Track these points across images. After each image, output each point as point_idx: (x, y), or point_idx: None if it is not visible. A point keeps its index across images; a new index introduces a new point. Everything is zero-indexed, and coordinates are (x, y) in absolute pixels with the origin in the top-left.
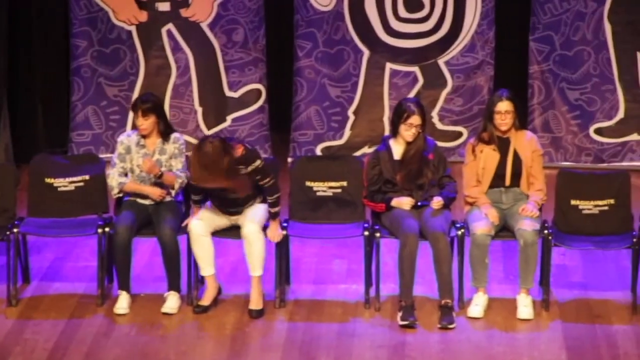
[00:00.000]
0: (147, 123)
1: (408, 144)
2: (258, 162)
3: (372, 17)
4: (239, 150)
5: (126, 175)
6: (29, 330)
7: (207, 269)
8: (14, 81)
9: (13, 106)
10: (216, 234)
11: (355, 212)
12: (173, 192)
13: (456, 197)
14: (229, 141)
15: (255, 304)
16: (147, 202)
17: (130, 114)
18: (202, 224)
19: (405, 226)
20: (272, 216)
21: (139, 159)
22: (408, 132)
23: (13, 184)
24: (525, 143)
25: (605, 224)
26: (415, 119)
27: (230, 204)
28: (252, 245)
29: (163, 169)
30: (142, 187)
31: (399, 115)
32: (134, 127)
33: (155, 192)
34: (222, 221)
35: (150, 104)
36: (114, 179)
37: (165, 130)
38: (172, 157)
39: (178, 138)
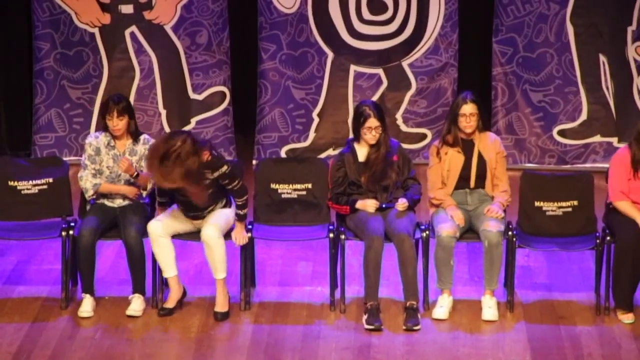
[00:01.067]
0: (121, 123)
1: (372, 146)
2: (225, 168)
3: (336, 20)
4: (206, 156)
5: (96, 176)
6: None
7: (169, 270)
8: None
9: None
10: (179, 236)
11: (320, 214)
12: (144, 193)
13: (421, 198)
14: (200, 144)
15: (221, 306)
16: (115, 204)
17: (94, 116)
18: (160, 224)
19: (370, 228)
20: (240, 218)
21: (109, 160)
22: (368, 135)
23: None
24: (489, 145)
25: (569, 225)
26: (373, 122)
27: (192, 209)
28: (212, 249)
29: (136, 168)
30: (118, 187)
31: (357, 120)
32: (101, 128)
33: (132, 191)
34: (186, 225)
35: (125, 103)
36: (87, 180)
37: (136, 131)
38: (142, 158)
39: (148, 139)
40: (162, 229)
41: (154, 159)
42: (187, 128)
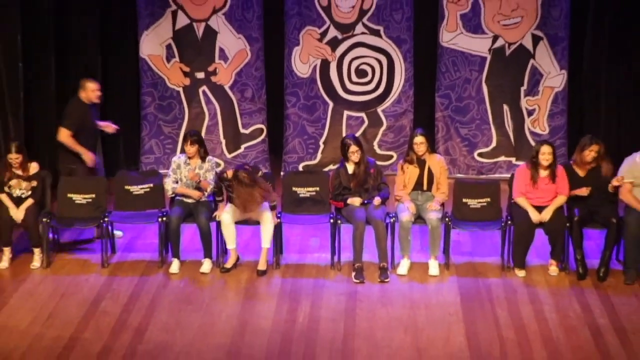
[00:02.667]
0: (193, 149)
1: (356, 163)
2: (260, 173)
3: (335, 81)
4: (248, 170)
5: (177, 182)
6: (115, 283)
7: (231, 243)
8: None
9: (104, 141)
10: (237, 222)
11: (324, 207)
12: (206, 193)
13: (389, 197)
14: (238, 167)
15: (261, 266)
16: (190, 200)
17: (179, 143)
18: (230, 216)
19: (357, 216)
20: (272, 208)
21: (185, 172)
22: (352, 156)
23: (104, 190)
24: (436, 162)
25: (484, 214)
26: (353, 148)
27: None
28: (266, 226)
29: (201, 178)
30: (188, 191)
31: (343, 148)
32: (183, 151)
33: (196, 194)
34: (241, 215)
35: (196, 137)
36: (169, 184)
37: (204, 155)
38: (206, 171)
39: (211, 159)
40: (230, 219)
41: (241, 188)
42: (238, 152)
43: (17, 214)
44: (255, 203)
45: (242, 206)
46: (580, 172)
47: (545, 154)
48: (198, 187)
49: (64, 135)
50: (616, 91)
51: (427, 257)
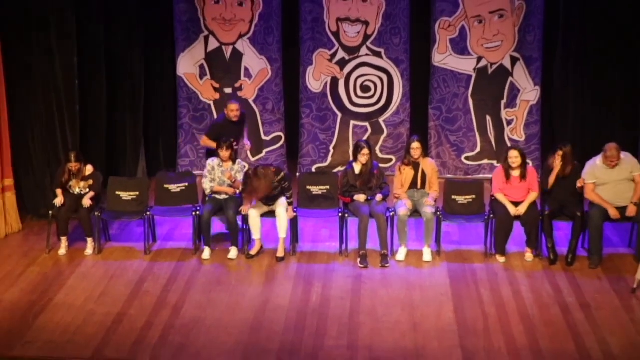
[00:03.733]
0: (227, 154)
1: (363, 165)
2: (283, 174)
3: (342, 95)
4: (273, 170)
5: (212, 182)
6: (156, 267)
7: (256, 234)
8: (148, 133)
9: (147, 146)
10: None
11: (334, 203)
12: (238, 191)
13: (389, 195)
14: (267, 166)
15: (280, 253)
16: (222, 197)
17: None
18: (255, 210)
19: (362, 211)
20: (289, 204)
21: (219, 173)
22: (362, 158)
23: (147, 188)
24: (428, 165)
25: (470, 209)
26: (365, 151)
27: (269, 199)
28: (281, 219)
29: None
30: (223, 188)
31: (356, 149)
32: (217, 155)
33: (231, 191)
34: (263, 208)
35: (229, 143)
36: (207, 184)
37: (235, 158)
38: (237, 172)
39: (240, 162)
40: (256, 213)
41: (252, 183)
42: (260, 156)
43: (85, 200)
44: (254, 194)
45: (248, 194)
46: (562, 174)
47: (512, 157)
48: (231, 185)
49: (204, 140)
50: (581, 104)
51: (422, 246)
